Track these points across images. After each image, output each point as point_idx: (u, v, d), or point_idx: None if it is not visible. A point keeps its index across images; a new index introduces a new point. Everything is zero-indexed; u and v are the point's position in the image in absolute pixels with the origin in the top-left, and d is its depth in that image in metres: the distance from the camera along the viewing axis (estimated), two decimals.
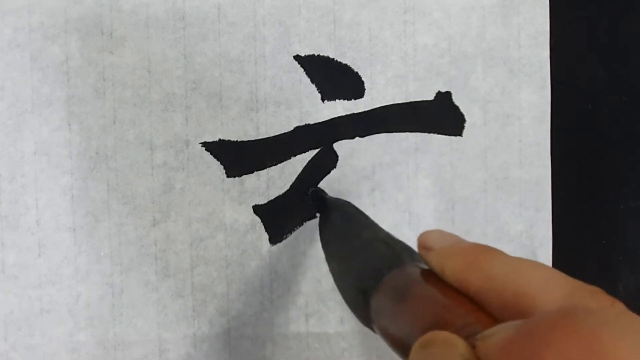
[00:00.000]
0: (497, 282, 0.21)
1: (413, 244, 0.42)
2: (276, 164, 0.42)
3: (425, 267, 0.26)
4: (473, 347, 0.19)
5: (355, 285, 0.29)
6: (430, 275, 0.24)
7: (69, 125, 0.41)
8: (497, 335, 0.19)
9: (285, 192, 0.42)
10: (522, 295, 0.20)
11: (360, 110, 0.42)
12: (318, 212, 0.41)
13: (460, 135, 0.43)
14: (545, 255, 0.43)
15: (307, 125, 0.42)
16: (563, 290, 0.20)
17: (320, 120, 0.42)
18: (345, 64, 0.42)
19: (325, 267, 0.42)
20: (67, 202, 0.41)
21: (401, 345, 0.23)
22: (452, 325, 0.21)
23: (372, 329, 0.27)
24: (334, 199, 0.40)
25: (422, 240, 0.25)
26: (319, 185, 0.42)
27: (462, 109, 0.43)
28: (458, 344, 0.19)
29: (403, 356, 0.23)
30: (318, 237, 0.42)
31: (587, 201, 0.44)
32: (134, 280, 0.41)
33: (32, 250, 0.41)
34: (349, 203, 0.38)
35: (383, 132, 0.42)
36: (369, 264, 0.29)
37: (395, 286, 0.26)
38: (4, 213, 0.40)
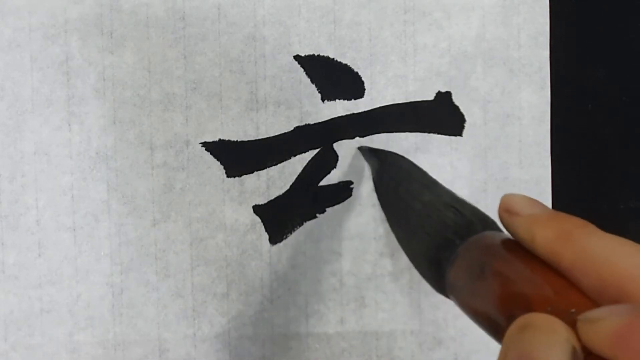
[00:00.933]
0: (595, 259, 0.19)
1: None
2: (276, 164, 0.42)
3: (501, 234, 0.23)
4: (574, 330, 0.18)
5: (426, 255, 0.27)
6: (512, 245, 0.22)
7: (69, 125, 0.41)
8: (607, 320, 0.17)
9: (285, 192, 0.42)
10: (622, 278, 0.18)
11: (360, 110, 0.42)
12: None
13: (460, 135, 0.43)
14: None
15: (307, 125, 0.42)
16: None
17: (320, 120, 0.42)
18: (345, 64, 0.42)
19: (325, 267, 0.42)
20: (67, 202, 0.41)
21: (487, 321, 0.21)
22: (544, 305, 0.19)
23: (448, 297, 0.25)
24: (386, 152, 0.37)
25: (507, 203, 0.23)
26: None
27: (462, 109, 0.43)
28: (560, 329, 0.18)
29: (491, 332, 0.21)
30: (318, 237, 0.42)
31: (587, 201, 0.44)
32: (134, 280, 0.41)
33: (32, 250, 0.41)
34: (403, 157, 0.36)
35: (383, 132, 0.42)
36: (439, 232, 0.26)
37: (473, 259, 0.23)
38: (4, 213, 0.40)
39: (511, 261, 0.22)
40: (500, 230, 0.25)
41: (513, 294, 0.21)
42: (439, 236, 0.26)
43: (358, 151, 0.41)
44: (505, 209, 0.23)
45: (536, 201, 0.23)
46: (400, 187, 0.33)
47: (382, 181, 0.36)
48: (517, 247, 0.22)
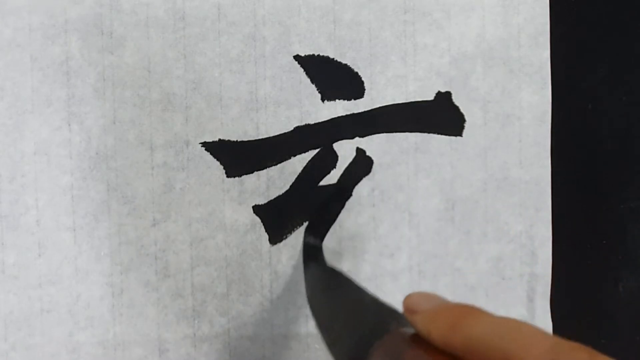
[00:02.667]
0: (481, 343, 0.21)
1: (412, 244, 0.42)
2: (276, 164, 0.42)
3: (413, 330, 0.26)
4: None
5: (347, 352, 0.29)
6: (419, 340, 0.24)
7: (69, 125, 0.41)
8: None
9: (285, 192, 0.42)
10: (506, 356, 0.20)
11: (360, 110, 0.42)
12: (304, 260, 0.41)
13: (460, 135, 0.43)
14: (545, 255, 0.43)
15: (307, 125, 0.42)
16: (545, 347, 0.20)
17: (320, 120, 0.42)
18: (345, 64, 0.42)
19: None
20: (67, 202, 0.41)
21: None
22: None
23: None
24: (314, 263, 0.40)
25: (408, 303, 0.25)
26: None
27: (462, 109, 0.43)
28: None
29: None
30: None
31: (587, 201, 0.44)
32: (134, 280, 0.41)
33: (32, 250, 0.41)
34: (332, 269, 0.39)
35: (383, 132, 0.42)
36: (358, 331, 0.29)
37: (385, 355, 0.26)
38: (4, 213, 0.40)
39: (418, 353, 0.24)
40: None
41: None
42: (357, 336, 0.28)
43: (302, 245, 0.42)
44: (407, 309, 0.25)
45: (432, 296, 0.26)
46: (327, 291, 0.36)
47: (312, 288, 0.38)
48: (423, 341, 0.24)
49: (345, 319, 0.31)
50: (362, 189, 0.42)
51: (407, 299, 0.26)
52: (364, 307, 0.31)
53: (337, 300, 0.34)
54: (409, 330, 0.26)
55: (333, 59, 0.42)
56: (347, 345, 0.29)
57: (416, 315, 0.24)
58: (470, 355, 0.21)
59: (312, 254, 0.41)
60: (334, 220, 0.42)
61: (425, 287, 0.42)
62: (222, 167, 0.41)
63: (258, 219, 0.42)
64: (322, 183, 0.42)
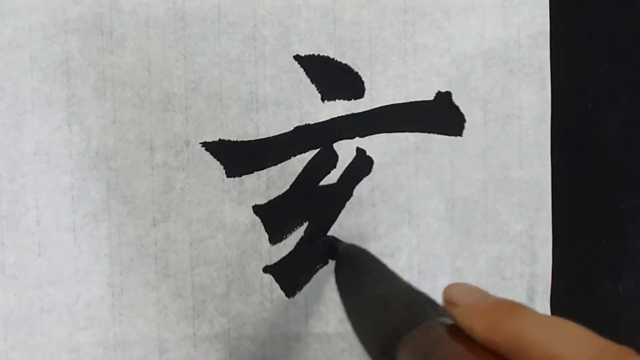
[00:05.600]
0: (527, 342, 0.21)
1: (412, 244, 0.42)
2: (276, 164, 0.42)
3: (450, 322, 0.25)
4: None
5: (376, 342, 0.28)
6: (456, 333, 0.24)
7: (69, 125, 0.41)
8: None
9: (285, 192, 0.42)
10: (554, 356, 0.20)
11: (360, 110, 0.42)
12: (331, 259, 0.40)
13: (460, 135, 0.43)
14: (545, 255, 0.43)
15: (307, 125, 0.42)
16: (593, 350, 0.20)
17: (320, 120, 0.42)
18: (345, 64, 0.42)
19: (325, 267, 0.42)
20: (67, 202, 0.41)
21: None
22: None
23: None
24: (347, 246, 0.39)
25: (448, 294, 0.25)
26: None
27: (462, 109, 0.43)
28: None
29: None
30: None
31: (587, 201, 0.44)
32: (134, 280, 0.41)
33: (32, 250, 0.41)
34: (364, 250, 0.38)
35: (383, 132, 0.42)
36: (388, 321, 0.28)
37: (417, 347, 0.25)
38: (4, 213, 0.40)
39: (455, 347, 0.23)
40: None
41: None
42: (388, 325, 0.28)
43: (323, 241, 0.42)
44: (447, 301, 0.25)
45: (474, 289, 0.25)
46: (358, 279, 0.35)
47: (341, 273, 0.38)
48: (461, 333, 0.23)
49: (375, 308, 0.31)
50: (362, 189, 0.42)
51: (448, 290, 0.25)
52: (397, 295, 0.30)
53: (368, 286, 0.33)
54: (445, 321, 0.25)
55: (333, 59, 0.42)
56: (375, 335, 0.29)
57: (457, 308, 0.24)
58: (514, 354, 0.21)
59: (335, 247, 0.40)
60: (334, 220, 0.42)
61: (425, 287, 0.42)
62: (222, 167, 0.41)
63: (258, 219, 0.42)
64: (322, 183, 0.42)
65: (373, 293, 0.32)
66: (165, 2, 0.41)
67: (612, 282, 0.44)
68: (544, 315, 0.22)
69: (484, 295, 0.24)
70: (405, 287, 0.31)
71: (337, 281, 0.38)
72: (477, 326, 0.22)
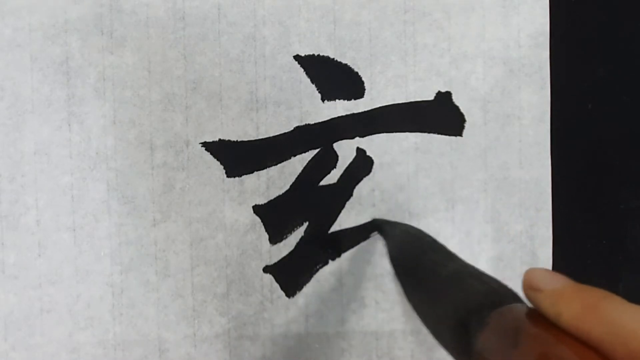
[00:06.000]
0: (623, 332, 0.20)
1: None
2: (276, 164, 0.42)
3: (531, 307, 0.24)
4: None
5: (453, 319, 0.27)
6: (541, 319, 0.23)
7: (69, 125, 0.41)
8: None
9: (285, 192, 0.42)
10: None
11: (360, 110, 0.42)
12: (387, 238, 0.39)
13: (460, 135, 0.43)
14: (545, 255, 0.43)
15: (307, 125, 0.42)
16: None
17: (320, 120, 0.42)
18: (345, 64, 0.42)
19: (325, 267, 0.42)
20: (67, 202, 0.41)
21: None
22: None
23: None
24: (403, 225, 0.38)
25: (529, 279, 0.24)
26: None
27: (462, 109, 0.43)
28: None
29: None
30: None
31: (587, 201, 0.44)
32: (134, 280, 0.41)
33: (32, 250, 0.41)
34: (421, 230, 0.37)
35: (383, 132, 0.42)
36: (467, 299, 0.27)
37: (505, 327, 0.24)
38: (4, 213, 0.40)
39: (543, 333, 0.22)
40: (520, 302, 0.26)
41: None
42: (470, 301, 0.27)
43: (372, 222, 0.41)
44: (529, 286, 0.24)
45: (558, 275, 0.24)
46: (425, 256, 0.34)
47: (402, 251, 0.37)
48: (546, 320, 0.23)
49: (449, 284, 0.29)
50: (362, 189, 0.42)
51: (529, 274, 0.24)
52: (470, 274, 0.29)
53: (437, 264, 0.32)
54: (526, 307, 0.24)
55: (333, 59, 0.42)
56: (452, 311, 0.28)
57: (541, 294, 0.23)
58: (607, 345, 0.20)
59: (389, 227, 0.39)
60: (334, 220, 0.42)
61: None
62: (222, 167, 0.41)
63: (258, 219, 0.42)
64: (322, 183, 0.42)
65: (446, 270, 0.31)
66: (165, 2, 0.41)
67: (612, 282, 0.44)
68: (637, 305, 0.21)
69: (570, 281, 0.23)
70: (472, 268, 0.30)
71: (395, 262, 0.36)
72: (567, 312, 0.21)
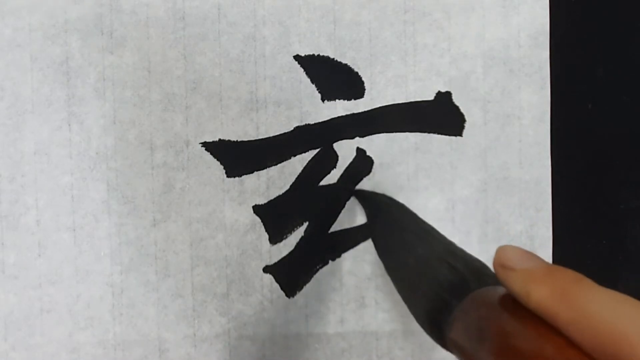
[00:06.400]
0: (592, 318, 0.19)
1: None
2: (276, 164, 0.42)
3: (497, 288, 0.23)
4: None
5: (425, 315, 0.27)
6: (509, 302, 0.22)
7: (69, 125, 0.41)
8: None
9: (285, 192, 0.42)
10: (620, 338, 0.18)
11: (360, 110, 0.42)
12: (366, 212, 0.38)
13: (460, 135, 0.43)
14: (545, 255, 0.43)
15: (307, 125, 0.42)
16: None
17: (320, 120, 0.42)
18: (345, 64, 0.42)
19: (325, 267, 0.42)
20: (67, 202, 0.41)
21: None
22: None
23: (449, 350, 0.25)
24: (379, 196, 0.37)
25: (501, 257, 0.23)
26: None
27: (462, 109, 0.43)
28: None
29: None
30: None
31: (587, 201, 0.44)
32: (134, 280, 0.41)
33: (32, 250, 0.41)
34: (396, 202, 0.36)
35: (383, 132, 0.42)
36: (434, 292, 0.26)
37: (470, 321, 0.24)
38: (4, 213, 0.40)
39: (508, 320, 0.22)
40: (496, 283, 0.25)
41: (513, 355, 0.20)
42: (435, 296, 0.26)
43: (355, 195, 0.41)
44: (500, 264, 0.23)
45: (532, 254, 0.23)
46: (394, 237, 0.33)
47: (376, 228, 0.36)
48: (514, 303, 0.22)
49: (418, 273, 0.29)
50: (362, 189, 0.42)
51: (501, 253, 0.23)
52: (438, 259, 0.28)
53: (408, 245, 0.31)
54: (495, 290, 0.23)
55: (333, 59, 0.42)
56: (423, 306, 0.27)
57: (512, 273, 0.22)
58: (575, 330, 0.19)
59: (366, 200, 0.38)
60: (334, 220, 0.42)
61: None
62: (222, 167, 0.41)
63: (258, 219, 0.42)
64: (322, 183, 0.42)
65: (415, 254, 0.30)
66: (165, 2, 0.41)
67: (612, 282, 0.44)
68: (611, 291, 0.20)
69: (543, 261, 0.22)
70: (444, 246, 0.29)
71: (373, 238, 0.36)
72: (537, 293, 0.20)
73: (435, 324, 0.26)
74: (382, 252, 0.34)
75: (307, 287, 0.42)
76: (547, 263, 0.22)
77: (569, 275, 0.21)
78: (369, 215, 0.38)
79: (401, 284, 0.31)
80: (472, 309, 0.24)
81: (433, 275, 0.28)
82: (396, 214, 0.36)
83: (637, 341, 0.18)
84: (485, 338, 0.22)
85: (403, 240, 0.33)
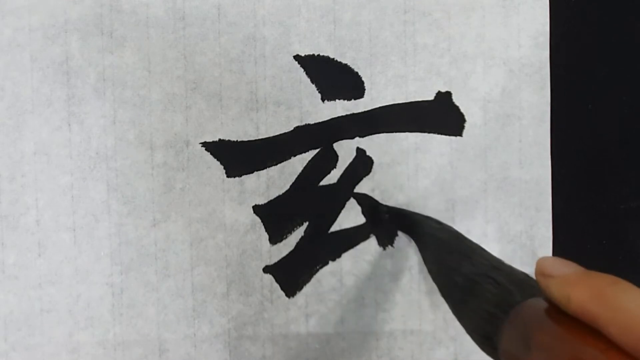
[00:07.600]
0: (632, 317, 0.20)
1: (412, 244, 0.42)
2: (276, 164, 0.42)
3: (541, 299, 0.24)
4: None
5: (476, 328, 0.28)
6: (551, 312, 0.23)
7: (69, 125, 0.41)
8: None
9: (285, 192, 0.42)
10: None
11: (360, 110, 0.42)
12: (415, 240, 0.39)
13: (460, 135, 0.43)
14: (545, 255, 0.43)
15: (307, 125, 0.42)
16: None
17: (320, 120, 0.42)
18: (345, 64, 0.42)
19: (325, 267, 0.42)
20: (67, 202, 0.41)
21: None
22: None
23: None
24: (423, 222, 0.38)
25: (541, 266, 0.24)
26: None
27: (462, 109, 0.43)
28: None
29: None
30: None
31: (587, 201, 0.44)
32: (134, 280, 0.41)
33: (32, 250, 0.41)
34: (440, 223, 0.37)
35: (383, 132, 0.42)
36: (482, 307, 0.27)
37: (516, 334, 0.24)
38: (4, 213, 0.40)
39: (552, 329, 0.22)
40: (540, 293, 0.26)
41: None
42: (483, 312, 0.27)
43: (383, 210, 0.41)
44: (540, 273, 0.24)
45: (568, 262, 0.24)
46: (442, 259, 0.35)
47: (427, 254, 0.37)
48: (556, 312, 0.23)
49: (465, 291, 0.30)
50: (362, 189, 0.42)
51: (541, 262, 0.24)
52: (482, 275, 0.29)
53: (452, 267, 0.32)
54: (539, 302, 0.24)
55: (333, 59, 0.42)
56: (473, 323, 0.28)
57: (552, 280, 0.23)
58: (616, 330, 0.20)
59: (413, 227, 0.39)
60: (334, 220, 0.42)
61: (426, 286, 0.42)
62: (222, 167, 0.41)
63: (258, 219, 0.42)
64: (322, 183, 0.42)
65: (459, 274, 0.31)
66: (165, 2, 0.41)
67: None
68: None
69: (580, 267, 0.23)
70: (488, 263, 0.30)
71: (426, 264, 0.37)
72: (576, 297, 0.21)
73: (487, 338, 0.27)
74: (435, 275, 0.35)
75: (307, 287, 0.42)
76: (584, 269, 0.23)
77: (605, 278, 0.22)
78: (418, 242, 0.39)
79: (452, 303, 0.32)
80: (519, 320, 0.25)
81: (479, 292, 0.29)
82: (442, 236, 0.37)
83: None
84: (532, 347, 0.23)
85: (450, 261, 0.34)
